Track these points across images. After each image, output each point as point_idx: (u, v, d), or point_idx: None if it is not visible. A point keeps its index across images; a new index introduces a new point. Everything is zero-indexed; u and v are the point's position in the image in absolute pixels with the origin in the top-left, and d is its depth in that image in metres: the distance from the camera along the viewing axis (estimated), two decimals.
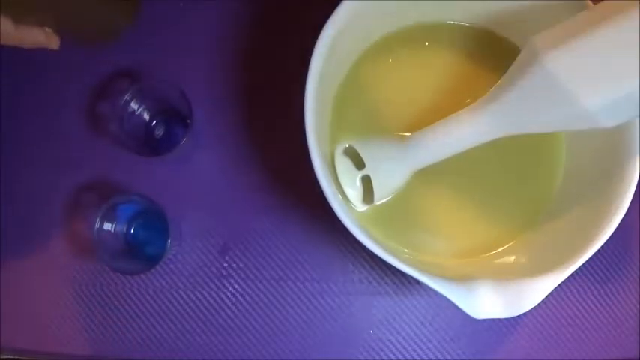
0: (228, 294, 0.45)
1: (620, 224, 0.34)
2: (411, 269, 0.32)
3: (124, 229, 0.44)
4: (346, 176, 0.39)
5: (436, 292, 0.32)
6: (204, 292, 0.45)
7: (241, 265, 0.45)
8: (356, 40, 0.40)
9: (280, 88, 0.47)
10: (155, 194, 0.45)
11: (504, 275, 0.35)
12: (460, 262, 0.40)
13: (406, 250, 0.39)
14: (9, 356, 0.45)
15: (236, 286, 0.45)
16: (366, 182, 0.39)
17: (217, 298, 0.45)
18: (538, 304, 0.32)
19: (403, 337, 0.45)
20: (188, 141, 0.42)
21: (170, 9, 0.48)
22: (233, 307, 0.45)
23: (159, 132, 0.46)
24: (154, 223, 0.45)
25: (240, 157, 0.46)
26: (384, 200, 0.40)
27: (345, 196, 0.39)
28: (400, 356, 0.45)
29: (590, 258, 0.33)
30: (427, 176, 0.40)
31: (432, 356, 0.45)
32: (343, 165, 0.39)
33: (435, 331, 0.45)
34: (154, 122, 0.46)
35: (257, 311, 0.45)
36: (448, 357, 0.45)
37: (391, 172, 0.39)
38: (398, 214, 0.40)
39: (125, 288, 0.45)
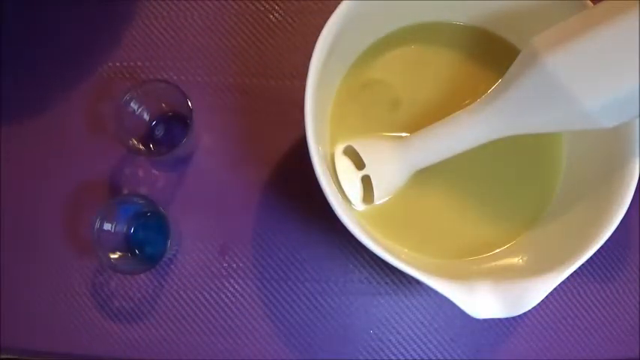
0: (228, 294, 0.45)
1: (620, 224, 0.34)
2: (411, 269, 0.32)
3: (124, 229, 0.44)
4: (346, 176, 0.39)
5: (436, 292, 0.32)
6: (204, 292, 0.45)
7: (241, 265, 0.45)
8: (356, 40, 0.40)
9: (280, 89, 0.47)
10: (155, 194, 0.45)
11: (504, 275, 0.35)
12: (460, 262, 0.40)
13: (406, 250, 0.39)
14: (9, 356, 0.45)
15: (236, 286, 0.45)
16: (366, 182, 0.39)
17: (217, 298, 0.45)
18: (538, 304, 0.32)
19: (403, 337, 0.45)
20: (188, 141, 0.42)
21: (171, 8, 0.48)
22: (233, 307, 0.45)
23: (159, 132, 0.46)
24: (154, 223, 0.45)
25: (240, 157, 0.46)
26: (384, 200, 0.40)
27: (344, 195, 0.39)
28: (400, 356, 0.45)
29: (590, 258, 0.33)
30: (427, 176, 0.40)
31: (432, 356, 0.45)
32: (343, 165, 0.39)
33: (435, 331, 0.45)
34: (154, 122, 0.46)
35: (257, 311, 0.45)
36: (448, 357, 0.45)
37: (391, 172, 0.39)
38: (398, 214, 0.40)
39: (125, 288, 0.45)
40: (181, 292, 0.45)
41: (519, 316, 0.35)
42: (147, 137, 0.45)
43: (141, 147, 0.43)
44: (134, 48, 0.47)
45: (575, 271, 0.33)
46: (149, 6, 0.48)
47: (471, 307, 0.32)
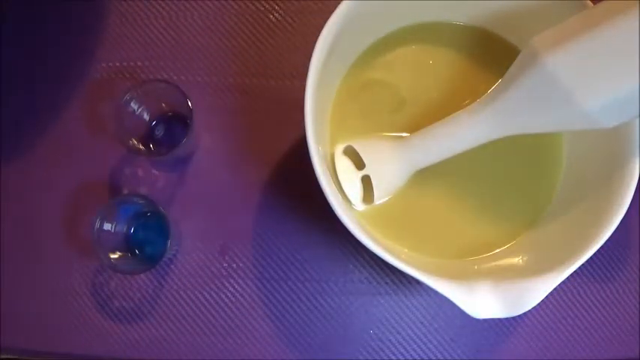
0: (228, 294, 0.45)
1: (620, 224, 0.34)
2: (411, 269, 0.32)
3: (124, 229, 0.44)
4: (346, 176, 0.39)
5: (436, 292, 0.32)
6: (204, 292, 0.45)
7: (241, 265, 0.45)
8: (356, 40, 0.40)
9: (280, 89, 0.47)
10: (155, 194, 0.45)
11: (504, 275, 0.35)
12: (460, 262, 0.40)
13: (406, 250, 0.39)
14: (9, 356, 0.45)
15: (236, 286, 0.45)
16: (366, 182, 0.39)
17: (217, 298, 0.45)
18: (538, 304, 0.32)
19: (403, 337, 0.45)
20: (188, 141, 0.42)
21: (171, 8, 0.48)
22: (233, 307, 0.45)
23: (159, 132, 0.46)
24: (154, 223, 0.45)
25: (240, 157, 0.46)
26: (384, 200, 0.40)
27: (344, 195, 0.39)
28: (400, 356, 0.45)
29: (590, 258, 0.33)
30: (427, 176, 0.40)
31: (432, 356, 0.45)
32: (343, 165, 0.39)
33: (435, 331, 0.45)
34: (154, 122, 0.46)
35: (257, 311, 0.45)
36: (448, 357, 0.45)
37: (391, 172, 0.39)
38: (398, 214, 0.40)
39: (125, 288, 0.45)
40: (181, 292, 0.45)
41: (519, 316, 0.35)
42: (147, 137, 0.45)
43: (141, 147, 0.43)
44: (134, 48, 0.47)
45: (575, 271, 0.33)
46: (149, 6, 0.48)
47: (471, 307, 0.32)
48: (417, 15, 0.41)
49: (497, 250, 0.40)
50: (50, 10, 0.48)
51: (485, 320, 0.45)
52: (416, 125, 0.39)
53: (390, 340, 0.45)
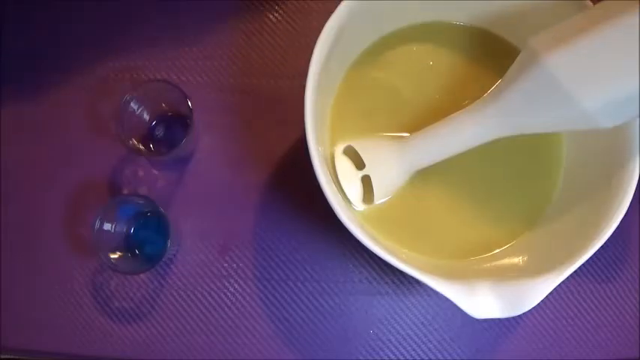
0: (228, 294, 0.45)
1: (620, 224, 0.34)
2: (411, 269, 0.32)
3: (124, 229, 0.44)
4: (346, 176, 0.39)
5: (436, 292, 0.32)
6: (204, 292, 0.45)
7: (241, 265, 0.45)
8: (356, 40, 0.40)
9: (280, 89, 0.47)
10: (155, 194, 0.45)
11: (504, 275, 0.35)
12: (460, 262, 0.40)
13: (406, 250, 0.39)
14: (9, 356, 0.45)
15: (236, 286, 0.45)
16: (366, 182, 0.39)
17: (217, 298, 0.45)
18: (538, 304, 0.32)
19: (403, 337, 0.45)
20: (188, 141, 0.42)
21: (171, 9, 0.48)
22: (233, 307, 0.45)
23: (159, 132, 0.46)
24: (154, 223, 0.45)
25: (240, 157, 0.46)
26: (384, 200, 0.40)
27: (345, 195, 0.39)
28: (400, 356, 0.45)
29: (590, 258, 0.33)
30: (427, 176, 0.40)
31: (432, 356, 0.45)
32: (343, 165, 0.39)
33: (435, 331, 0.45)
34: (154, 122, 0.46)
35: (257, 311, 0.45)
36: (448, 357, 0.45)
37: (391, 172, 0.39)
38: (398, 214, 0.40)
39: (125, 288, 0.45)
40: (181, 292, 0.45)
41: (519, 316, 0.35)
42: (147, 137, 0.45)
43: (141, 147, 0.43)
44: (134, 48, 0.47)
45: (575, 271, 0.33)
46: (149, 6, 0.48)
47: (471, 307, 0.32)
48: (417, 15, 0.41)
49: (497, 250, 0.40)
50: (50, 10, 0.48)
51: (485, 320, 0.45)
52: (416, 125, 0.39)
53: (390, 340, 0.45)
